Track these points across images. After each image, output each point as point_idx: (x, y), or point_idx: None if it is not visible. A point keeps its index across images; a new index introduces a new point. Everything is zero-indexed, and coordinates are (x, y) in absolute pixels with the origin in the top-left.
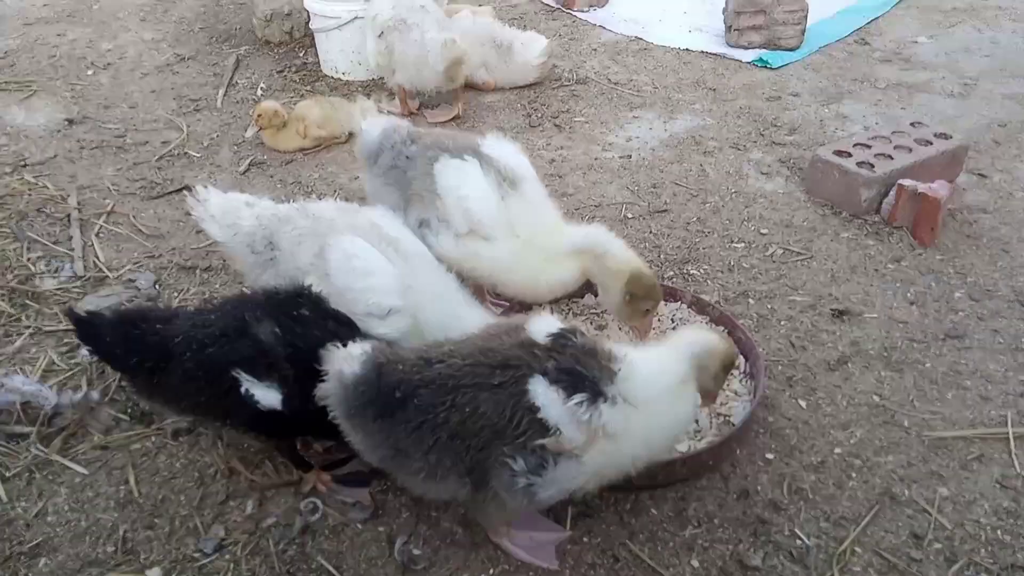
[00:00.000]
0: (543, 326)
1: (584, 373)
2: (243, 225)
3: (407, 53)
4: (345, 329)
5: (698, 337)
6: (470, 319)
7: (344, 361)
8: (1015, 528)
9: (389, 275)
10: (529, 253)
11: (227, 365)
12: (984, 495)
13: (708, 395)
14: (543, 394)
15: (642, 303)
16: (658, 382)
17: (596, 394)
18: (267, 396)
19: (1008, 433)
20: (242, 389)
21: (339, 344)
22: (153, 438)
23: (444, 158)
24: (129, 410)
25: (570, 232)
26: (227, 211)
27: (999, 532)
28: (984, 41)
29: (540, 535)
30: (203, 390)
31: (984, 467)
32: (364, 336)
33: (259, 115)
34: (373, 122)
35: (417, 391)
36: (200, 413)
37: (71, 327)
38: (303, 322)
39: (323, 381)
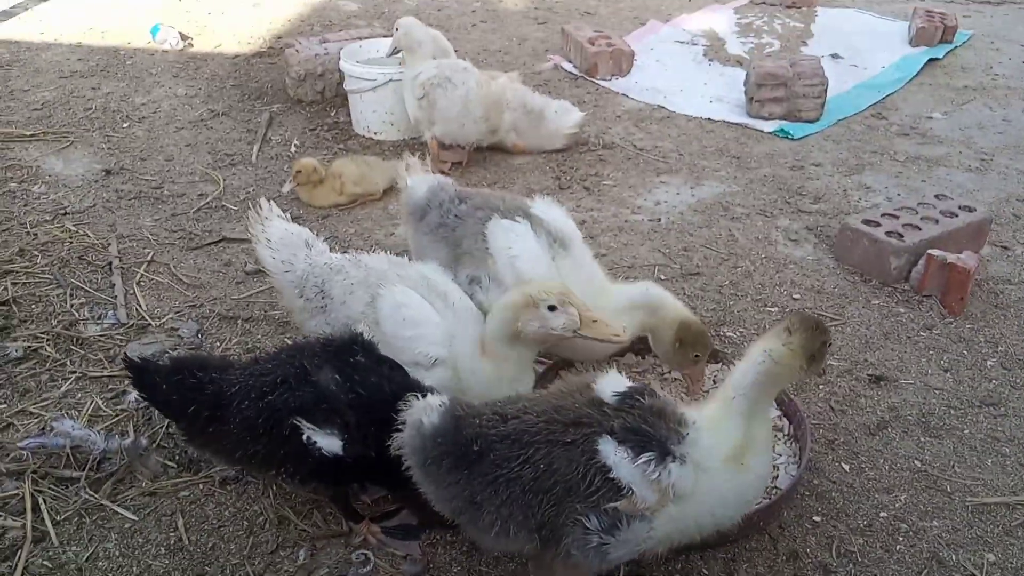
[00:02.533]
0: (611, 385)
1: (651, 432)
2: (296, 265)
3: (450, 109)
4: (398, 374)
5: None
6: None
7: (424, 412)
8: None
9: (436, 326)
10: None
11: (288, 412)
12: None
13: None
14: (612, 454)
15: (691, 349)
16: (724, 450)
17: (664, 453)
18: (329, 443)
19: None
20: (303, 437)
21: (418, 395)
22: (201, 485)
23: (495, 218)
24: (177, 457)
25: (625, 289)
26: (286, 243)
27: None
28: (996, 119)
29: None
30: (260, 438)
31: None
32: (416, 381)
33: (298, 171)
34: (419, 179)
35: (493, 445)
36: (255, 463)
37: (116, 373)
38: (360, 368)
39: (388, 427)
